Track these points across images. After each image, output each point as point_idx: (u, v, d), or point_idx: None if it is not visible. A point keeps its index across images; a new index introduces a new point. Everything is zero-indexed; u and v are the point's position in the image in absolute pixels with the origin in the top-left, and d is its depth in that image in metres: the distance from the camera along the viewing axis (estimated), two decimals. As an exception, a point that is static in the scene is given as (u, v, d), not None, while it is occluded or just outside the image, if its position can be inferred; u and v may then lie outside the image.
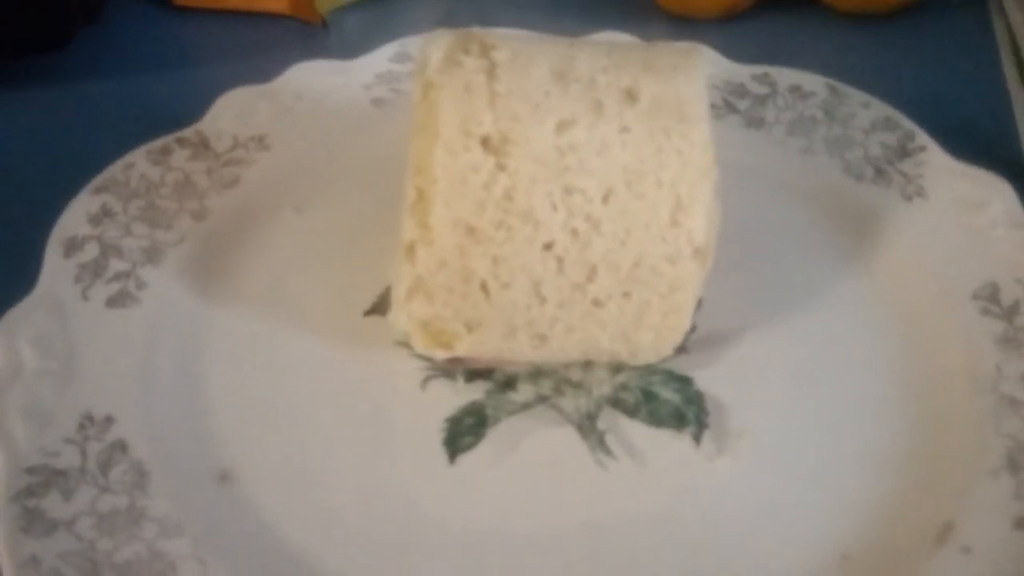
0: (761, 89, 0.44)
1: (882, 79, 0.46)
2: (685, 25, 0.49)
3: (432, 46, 0.31)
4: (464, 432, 0.33)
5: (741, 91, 0.43)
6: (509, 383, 0.35)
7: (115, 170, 0.39)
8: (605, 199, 0.30)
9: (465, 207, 0.30)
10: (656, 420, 0.34)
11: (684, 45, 0.43)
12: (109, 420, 0.32)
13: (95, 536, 0.29)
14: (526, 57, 0.31)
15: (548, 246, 0.31)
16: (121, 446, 0.31)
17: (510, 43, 0.32)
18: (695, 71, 0.32)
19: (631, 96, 0.31)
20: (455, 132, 0.30)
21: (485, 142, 0.30)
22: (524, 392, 0.34)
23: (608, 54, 0.32)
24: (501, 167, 0.30)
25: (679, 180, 0.31)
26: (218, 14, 0.50)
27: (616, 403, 0.34)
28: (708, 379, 0.35)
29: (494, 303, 0.31)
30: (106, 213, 0.37)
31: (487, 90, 0.30)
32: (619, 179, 0.30)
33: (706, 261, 0.32)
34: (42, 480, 0.30)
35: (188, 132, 0.41)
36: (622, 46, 0.33)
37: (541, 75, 0.31)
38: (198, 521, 0.30)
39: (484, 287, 0.31)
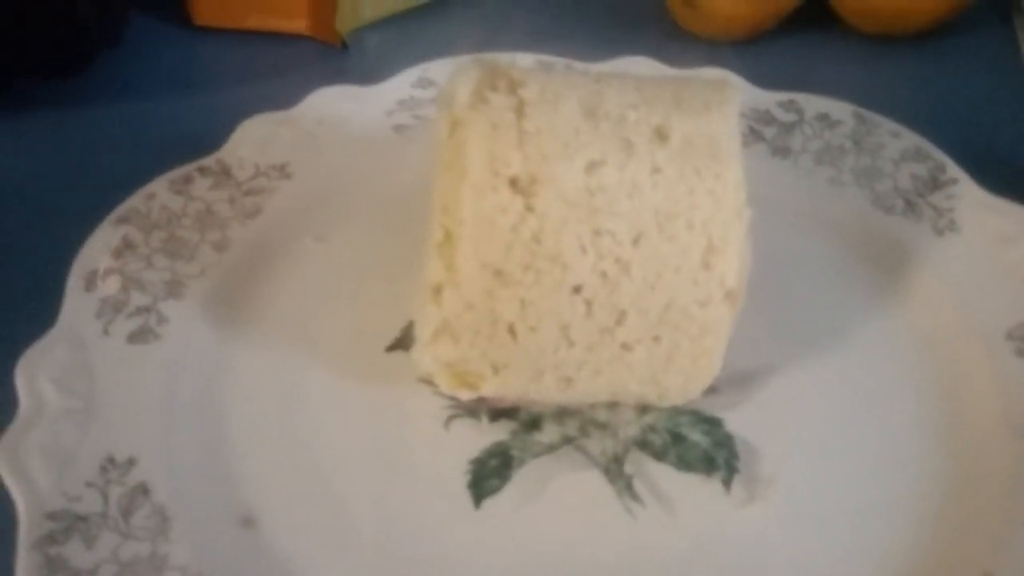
0: (788, 117, 0.43)
1: (907, 102, 0.45)
2: (708, 48, 0.49)
3: (459, 81, 0.31)
4: (489, 475, 0.33)
5: (767, 118, 0.43)
6: (534, 423, 0.34)
7: (136, 200, 0.38)
8: (635, 242, 0.30)
9: (493, 249, 0.29)
10: (685, 464, 0.33)
11: (715, 75, 0.43)
12: (131, 462, 0.31)
13: (117, 585, 0.29)
14: (554, 93, 0.31)
15: (577, 289, 0.30)
16: (143, 489, 0.31)
17: (538, 78, 0.31)
18: (727, 107, 0.31)
19: (662, 135, 0.30)
20: (483, 172, 0.29)
21: (513, 183, 0.29)
22: (549, 433, 0.34)
23: (637, 89, 0.32)
24: (529, 208, 0.29)
25: (711, 222, 0.30)
26: (237, 34, 0.50)
27: (643, 445, 0.33)
28: (738, 420, 0.34)
29: (521, 346, 0.31)
30: (127, 245, 0.37)
31: (516, 129, 0.30)
32: (650, 221, 0.30)
33: (736, 304, 0.31)
34: (64, 527, 0.29)
35: (209, 161, 0.40)
36: (651, 80, 0.33)
37: (570, 112, 0.30)
38: (221, 568, 0.30)
39: (511, 330, 0.30)
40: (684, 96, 0.32)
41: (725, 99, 0.32)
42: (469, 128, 0.30)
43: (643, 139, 0.30)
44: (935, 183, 0.40)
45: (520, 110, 0.30)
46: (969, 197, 0.39)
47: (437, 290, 0.30)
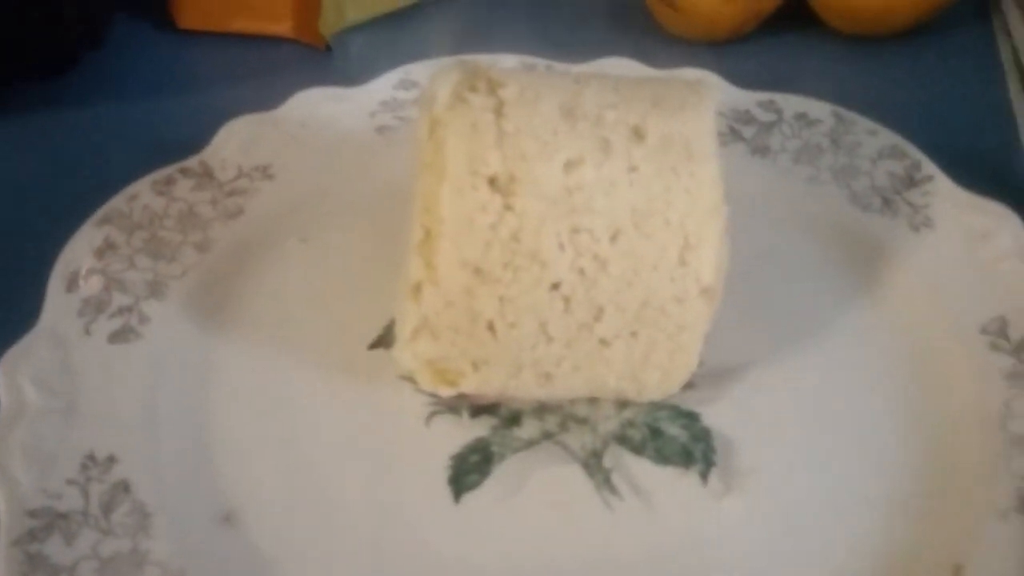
0: (767, 116, 0.43)
1: (886, 102, 0.45)
2: (689, 48, 0.49)
3: (438, 82, 0.31)
4: (470, 470, 0.33)
5: (747, 118, 0.43)
6: (514, 419, 0.34)
7: (118, 201, 0.39)
8: (613, 239, 0.30)
9: (472, 247, 0.30)
10: (663, 458, 0.33)
11: (693, 75, 0.43)
12: (112, 460, 0.32)
13: (98, 581, 0.29)
14: (533, 94, 0.31)
15: (555, 286, 0.30)
16: (124, 487, 0.31)
17: (517, 78, 0.32)
18: (704, 107, 0.32)
19: (639, 134, 0.31)
20: (462, 171, 0.30)
21: (492, 182, 0.30)
22: (529, 428, 0.34)
23: (615, 89, 0.32)
24: (508, 207, 0.30)
25: (687, 219, 0.30)
26: (221, 37, 0.50)
27: (622, 440, 0.34)
28: (715, 415, 0.34)
29: (501, 342, 0.31)
30: (109, 246, 0.37)
31: (495, 129, 0.30)
32: (627, 219, 0.30)
33: (714, 300, 0.32)
34: (44, 524, 0.30)
35: (192, 162, 0.40)
36: (630, 80, 0.33)
37: (549, 112, 0.31)
38: (201, 564, 0.30)
39: (491, 327, 0.31)
40: (662, 96, 0.32)
41: (701, 99, 0.32)
42: (448, 128, 0.30)
43: (621, 138, 0.31)
44: (911, 180, 0.40)
45: (499, 110, 0.30)
46: (944, 194, 0.40)
47: (417, 288, 0.30)
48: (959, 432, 0.33)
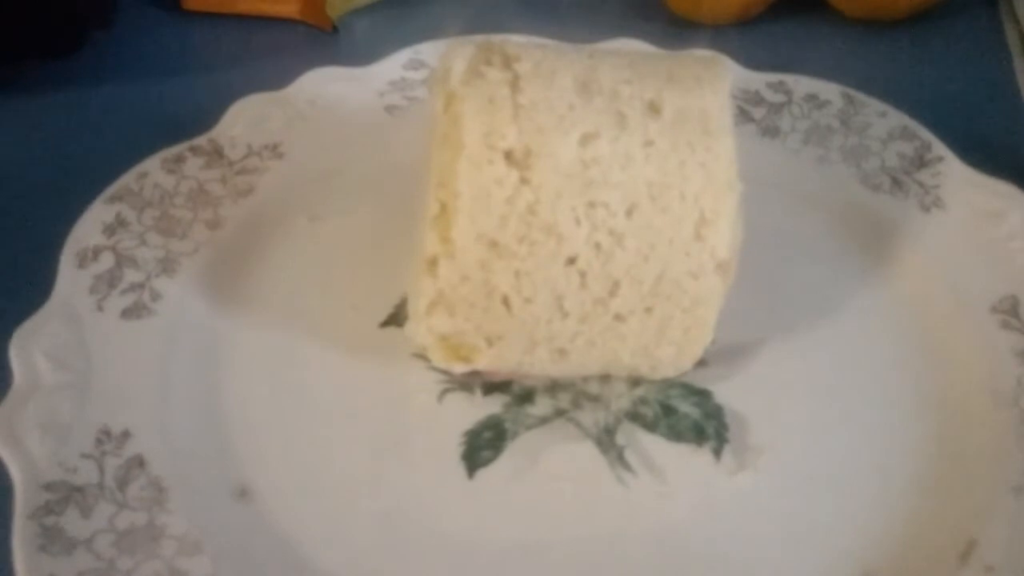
0: (777, 97, 0.43)
1: (894, 85, 0.45)
2: (697, 31, 0.49)
3: (453, 57, 0.31)
4: (483, 446, 0.33)
5: (756, 99, 0.43)
6: (527, 396, 0.34)
7: (129, 179, 0.38)
8: (629, 213, 0.30)
9: (488, 221, 0.30)
10: (675, 434, 0.33)
11: (706, 54, 0.43)
12: (126, 435, 0.31)
13: (114, 554, 0.29)
14: (549, 68, 0.31)
15: (571, 260, 0.30)
16: (139, 461, 0.31)
17: (532, 53, 0.32)
18: (719, 83, 0.32)
19: (654, 109, 0.31)
20: (479, 145, 0.30)
21: (509, 155, 0.30)
22: (542, 406, 0.34)
23: (630, 65, 0.32)
24: (525, 181, 0.30)
25: (703, 194, 0.30)
26: (228, 19, 0.50)
27: (635, 417, 0.34)
28: (727, 392, 0.34)
29: (516, 317, 0.31)
30: (120, 223, 0.37)
31: (511, 102, 0.30)
32: (643, 193, 0.30)
33: (728, 275, 0.32)
34: (60, 497, 0.30)
35: (201, 140, 0.40)
36: (643, 56, 0.33)
37: (564, 86, 0.31)
38: (217, 538, 0.30)
39: (506, 301, 0.31)
40: (676, 72, 0.32)
41: (716, 75, 0.32)
42: (464, 102, 0.30)
43: (636, 113, 0.31)
44: (921, 161, 0.40)
45: (515, 84, 0.30)
46: (954, 174, 0.40)
47: (432, 262, 0.30)
48: (971, 409, 0.34)
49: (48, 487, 0.30)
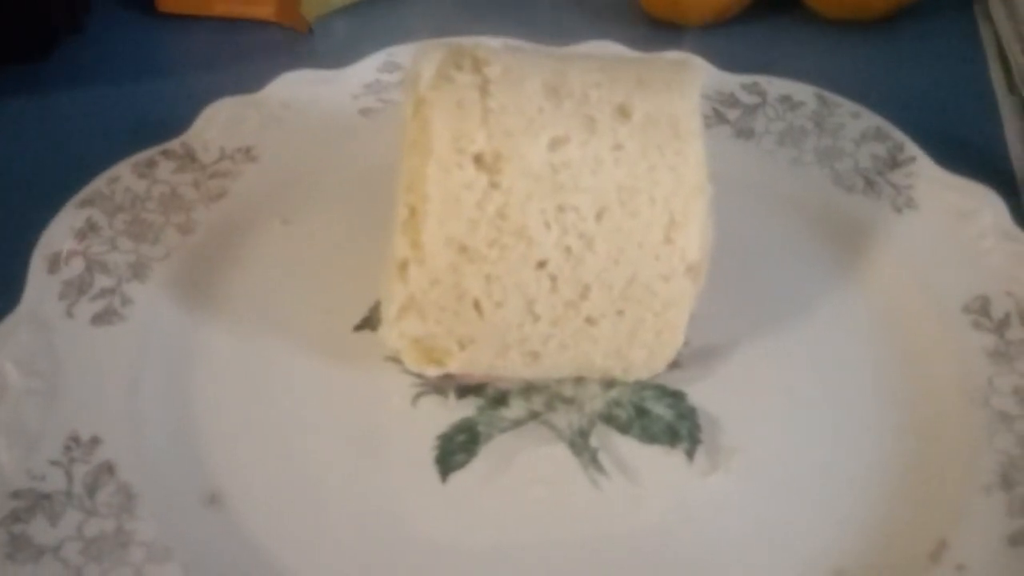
0: (751, 99, 0.43)
1: (869, 86, 0.46)
2: (672, 32, 0.49)
3: (423, 61, 0.31)
4: (456, 450, 0.33)
5: (731, 101, 0.43)
6: (501, 399, 0.34)
7: (100, 183, 0.38)
8: (599, 217, 0.30)
9: (458, 225, 0.30)
10: (649, 436, 0.33)
11: (677, 57, 0.43)
12: (95, 441, 0.31)
13: (82, 562, 0.28)
14: (519, 72, 0.31)
15: (541, 264, 0.30)
16: (108, 468, 0.31)
17: (502, 57, 0.32)
18: (689, 86, 0.32)
19: (624, 112, 0.31)
20: (448, 149, 0.30)
21: (478, 159, 0.30)
22: (516, 408, 0.34)
23: (600, 69, 0.32)
24: (494, 185, 0.30)
25: (673, 197, 0.30)
26: (203, 21, 0.50)
27: (609, 419, 0.34)
28: (701, 394, 0.34)
29: (487, 321, 0.31)
30: (91, 227, 0.37)
31: (480, 106, 0.30)
32: (612, 197, 0.30)
33: (699, 278, 0.32)
34: (27, 505, 0.29)
35: (174, 144, 0.40)
36: (614, 60, 0.33)
37: (534, 90, 0.31)
38: (187, 545, 0.30)
39: (477, 305, 0.31)
40: (646, 75, 0.32)
41: (686, 78, 0.32)
42: (433, 106, 0.30)
43: (605, 116, 0.31)
44: (894, 162, 0.40)
45: (484, 88, 0.30)
46: (927, 175, 0.40)
47: (403, 266, 0.30)
48: (943, 409, 0.34)
49: (15, 495, 0.30)
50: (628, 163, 0.30)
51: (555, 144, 0.30)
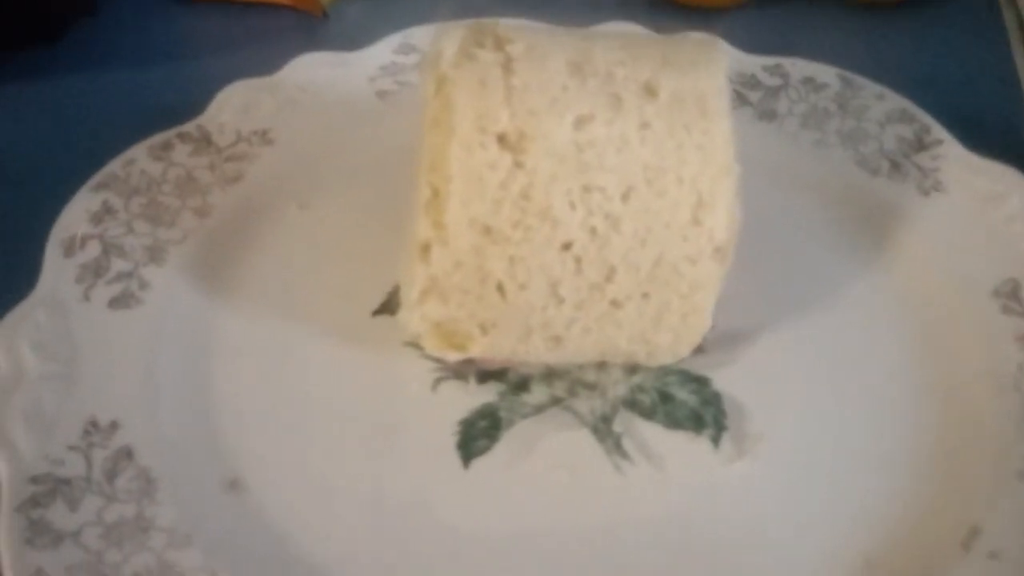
0: (773, 81, 0.43)
1: (892, 68, 0.45)
2: (693, 14, 0.48)
3: (444, 39, 0.31)
4: (478, 435, 0.33)
5: (753, 83, 0.43)
6: (522, 385, 0.34)
7: (115, 166, 0.38)
8: (625, 197, 0.30)
9: (481, 206, 0.29)
10: (673, 422, 0.33)
11: (701, 37, 0.43)
12: (114, 426, 0.31)
13: (102, 547, 0.28)
14: (542, 50, 0.30)
15: (566, 246, 0.30)
16: (127, 453, 0.30)
17: (524, 35, 0.31)
18: (715, 65, 0.31)
19: (650, 91, 0.30)
20: (471, 128, 0.29)
21: (502, 139, 0.29)
22: (538, 394, 0.34)
23: (624, 47, 0.31)
24: (518, 164, 0.29)
25: (700, 177, 0.30)
26: (217, 4, 0.49)
27: (632, 405, 0.33)
28: (725, 379, 0.34)
29: (510, 304, 0.30)
30: (107, 211, 0.36)
31: (503, 85, 0.29)
32: (639, 176, 0.30)
33: (726, 260, 0.31)
34: (47, 490, 0.29)
35: (189, 127, 0.40)
36: (637, 39, 0.32)
37: (557, 68, 0.30)
38: (208, 530, 0.29)
39: (500, 288, 0.30)
40: (671, 54, 0.31)
41: (712, 57, 0.32)
42: (456, 85, 0.30)
43: (631, 95, 0.30)
44: (920, 144, 0.40)
45: (507, 66, 0.30)
46: (954, 157, 0.39)
47: (425, 248, 0.30)
48: (973, 395, 0.33)
49: (34, 480, 0.29)
50: (655, 142, 0.30)
51: (580, 123, 0.29)
